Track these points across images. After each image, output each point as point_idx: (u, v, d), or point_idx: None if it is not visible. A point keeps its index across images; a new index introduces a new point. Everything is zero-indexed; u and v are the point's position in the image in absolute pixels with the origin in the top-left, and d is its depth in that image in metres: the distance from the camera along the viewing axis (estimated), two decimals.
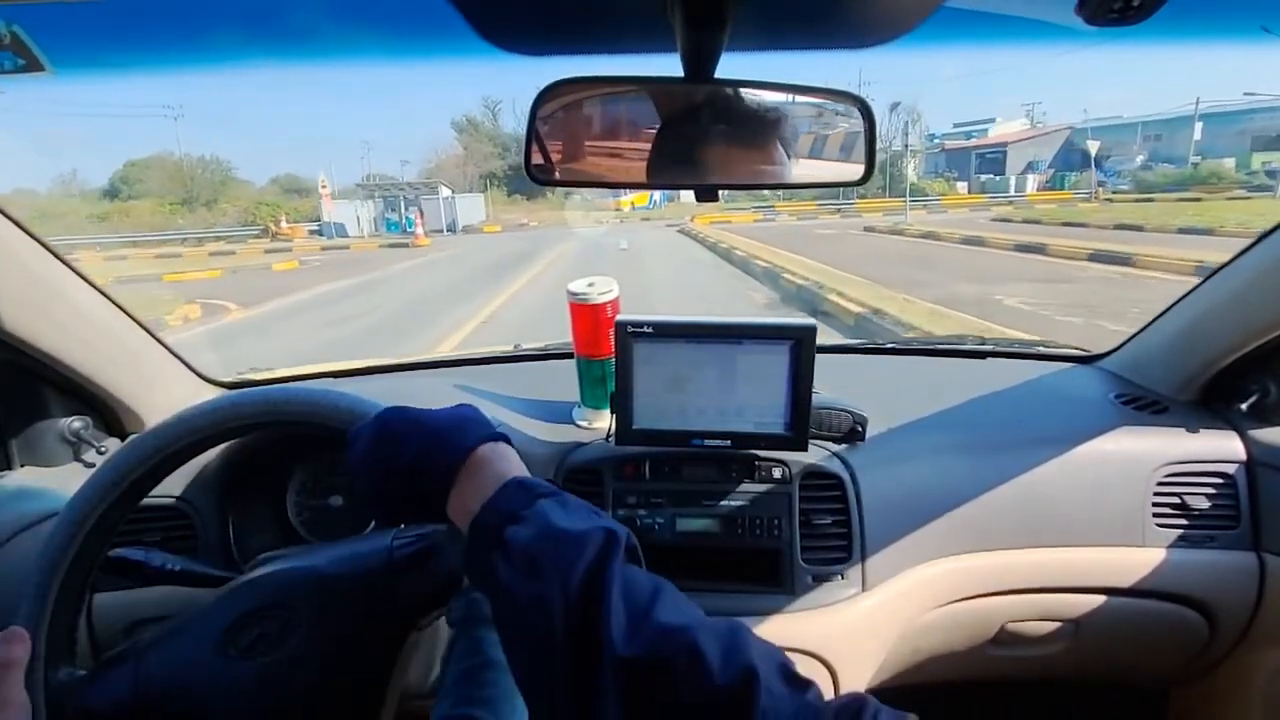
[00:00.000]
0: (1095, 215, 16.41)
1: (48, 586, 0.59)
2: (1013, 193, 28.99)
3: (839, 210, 26.56)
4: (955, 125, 42.25)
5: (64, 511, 0.61)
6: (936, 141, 40.56)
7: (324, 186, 24.39)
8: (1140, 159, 30.47)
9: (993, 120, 41.35)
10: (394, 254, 17.29)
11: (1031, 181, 30.76)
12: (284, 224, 25.89)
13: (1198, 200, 18.82)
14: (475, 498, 0.44)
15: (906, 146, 19.86)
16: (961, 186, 32.93)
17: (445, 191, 27.58)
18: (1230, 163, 25.46)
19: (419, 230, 20.75)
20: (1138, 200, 21.65)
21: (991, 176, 32.62)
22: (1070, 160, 33.05)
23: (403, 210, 26.15)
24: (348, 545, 0.70)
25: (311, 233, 25.57)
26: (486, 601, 0.57)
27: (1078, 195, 25.60)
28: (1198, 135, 28.49)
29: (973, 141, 38.74)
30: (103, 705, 0.59)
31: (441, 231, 25.08)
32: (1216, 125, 28.91)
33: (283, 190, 35.12)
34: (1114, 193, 24.95)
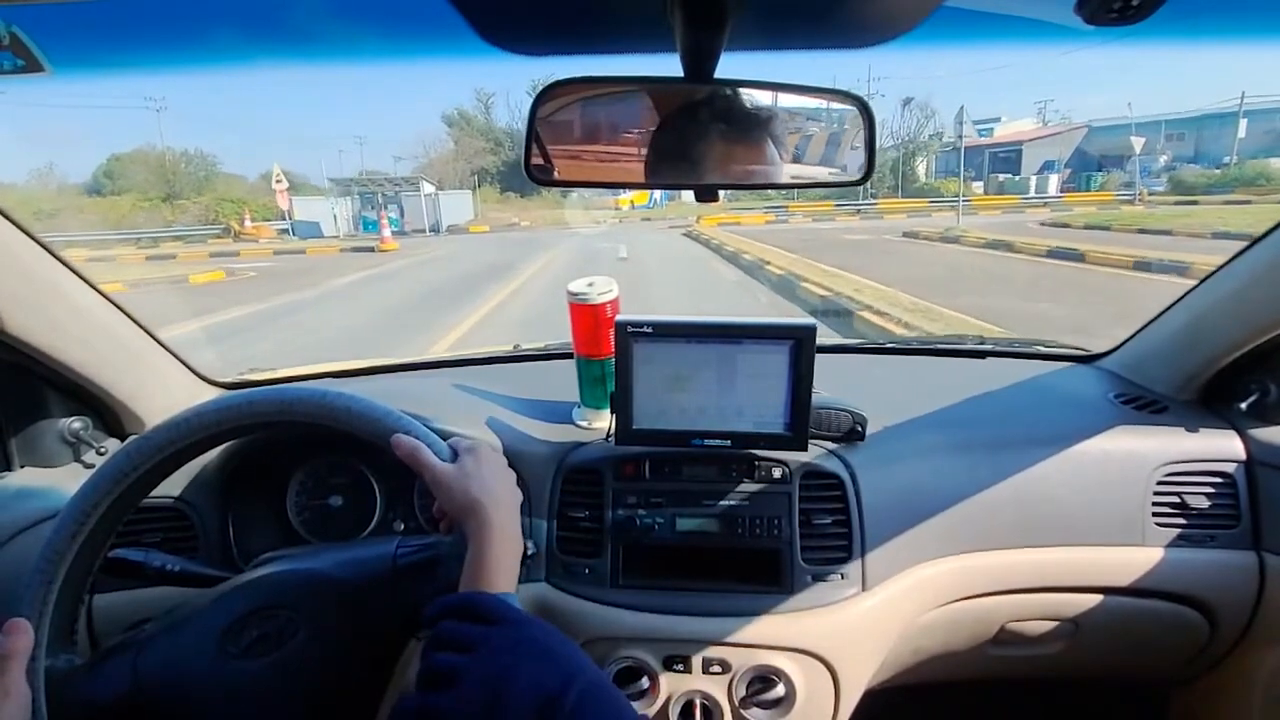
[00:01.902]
0: (1175, 221, 13.56)
1: (57, 565, 0.59)
2: (1033, 193, 27.24)
3: (859, 211, 24.34)
4: (959, 124, 40.91)
5: (94, 476, 0.61)
6: (946, 140, 39.06)
7: (279, 181, 19.38)
8: (1164, 159, 28.55)
9: (998, 119, 39.83)
10: (354, 260, 14.84)
11: (1053, 182, 29.02)
12: (248, 223, 22.93)
13: (1247, 203, 17.34)
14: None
15: (960, 136, 16.49)
16: (977, 186, 31.18)
17: (428, 188, 24.85)
18: (1277, 163, 22.96)
19: (384, 232, 17.80)
20: (1179, 203, 19.90)
21: (1010, 176, 30.93)
22: (1087, 160, 31.50)
23: (381, 208, 23.14)
24: (351, 549, 0.70)
25: (281, 232, 22.66)
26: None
27: (1120, 197, 23.21)
28: (1242, 133, 26.57)
29: (985, 140, 36.95)
30: (103, 696, 0.59)
31: (424, 231, 22.90)
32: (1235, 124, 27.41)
33: (272, 186, 33.89)
34: (1151, 194, 22.84)
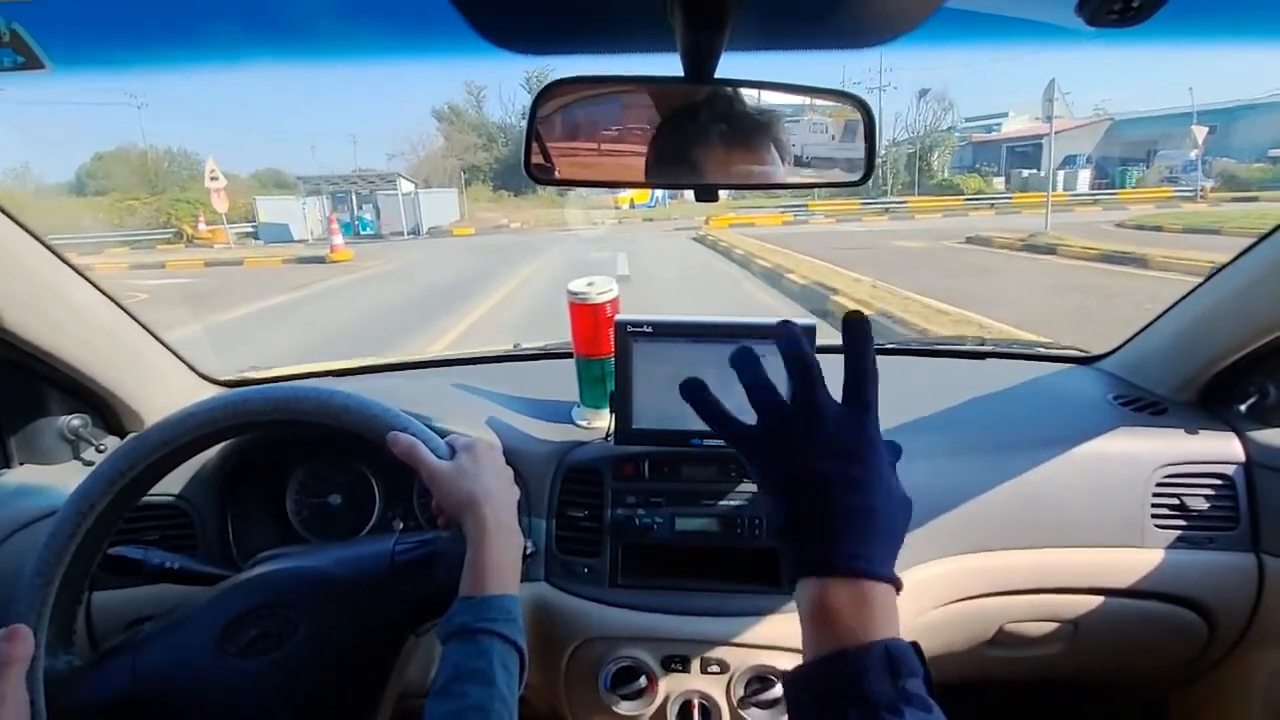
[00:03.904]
0: None
1: (54, 566, 0.59)
2: (1061, 189, 24.25)
3: (887, 210, 21.80)
4: (967, 119, 37.93)
5: (89, 478, 0.61)
6: (958, 134, 36.11)
7: (214, 177, 15.14)
8: (1195, 153, 25.23)
9: (1005, 114, 37.47)
10: (293, 274, 12.02)
11: (1083, 178, 26.52)
12: (203, 225, 19.72)
13: None
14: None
15: (1051, 119, 12.46)
16: (998, 183, 28.47)
17: (406, 186, 22.57)
18: None
19: (334, 239, 14.65)
20: (1237, 199, 18.19)
21: (1034, 172, 27.97)
22: (1109, 155, 29.07)
23: (354, 208, 21.12)
24: (349, 546, 0.70)
25: (245, 235, 20.34)
26: (466, 613, 0.56)
27: (1180, 193, 20.77)
28: None
29: (1002, 134, 34.49)
30: (101, 698, 0.59)
31: (402, 234, 20.66)
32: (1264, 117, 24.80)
33: (262, 184, 30.84)
34: (1212, 191, 20.55)
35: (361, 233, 20.87)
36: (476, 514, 0.60)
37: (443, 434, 0.67)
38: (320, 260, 13.87)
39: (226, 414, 0.64)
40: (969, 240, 12.68)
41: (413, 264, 13.23)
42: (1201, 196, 19.78)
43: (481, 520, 0.60)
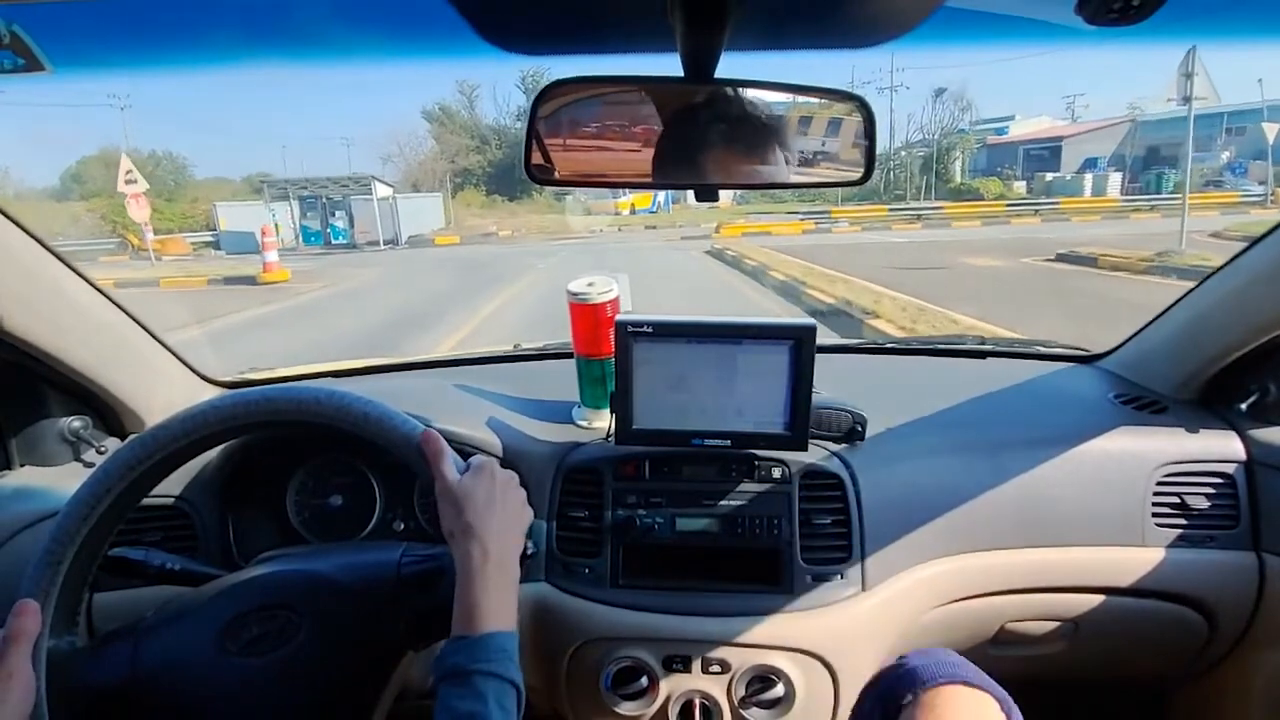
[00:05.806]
0: None
1: (66, 546, 0.59)
2: (1089, 193, 22.42)
3: (919, 217, 19.40)
4: (972, 123, 35.04)
5: (108, 461, 0.62)
6: (968, 136, 33.78)
7: (130, 180, 11.83)
8: (1226, 155, 24.20)
9: (1012, 117, 35.38)
10: (212, 299, 9.65)
11: (1114, 181, 23.79)
12: (150, 236, 16.02)
13: None
14: None
15: (1189, 99, 8.52)
16: (1019, 187, 26.45)
17: (383, 190, 19.84)
18: None
19: (267, 257, 11.55)
20: None
21: (1059, 176, 25.80)
22: (1133, 156, 26.60)
23: (324, 214, 18.82)
24: (354, 553, 0.71)
25: (205, 245, 18.31)
26: (458, 654, 0.55)
27: (1247, 198, 18.82)
28: None
29: (1009, 137, 32.45)
30: (101, 680, 0.60)
31: (378, 244, 18.34)
32: None
33: (253, 190, 27.59)
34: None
35: (334, 241, 18.94)
36: (462, 549, 0.59)
37: (445, 435, 0.67)
38: (251, 281, 11.35)
39: (251, 410, 0.64)
40: (1060, 258, 9.87)
41: (357, 289, 10.72)
42: (1273, 201, 18.16)
43: (465, 556, 0.59)
